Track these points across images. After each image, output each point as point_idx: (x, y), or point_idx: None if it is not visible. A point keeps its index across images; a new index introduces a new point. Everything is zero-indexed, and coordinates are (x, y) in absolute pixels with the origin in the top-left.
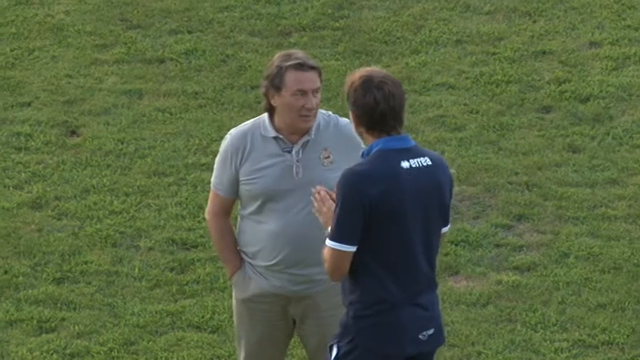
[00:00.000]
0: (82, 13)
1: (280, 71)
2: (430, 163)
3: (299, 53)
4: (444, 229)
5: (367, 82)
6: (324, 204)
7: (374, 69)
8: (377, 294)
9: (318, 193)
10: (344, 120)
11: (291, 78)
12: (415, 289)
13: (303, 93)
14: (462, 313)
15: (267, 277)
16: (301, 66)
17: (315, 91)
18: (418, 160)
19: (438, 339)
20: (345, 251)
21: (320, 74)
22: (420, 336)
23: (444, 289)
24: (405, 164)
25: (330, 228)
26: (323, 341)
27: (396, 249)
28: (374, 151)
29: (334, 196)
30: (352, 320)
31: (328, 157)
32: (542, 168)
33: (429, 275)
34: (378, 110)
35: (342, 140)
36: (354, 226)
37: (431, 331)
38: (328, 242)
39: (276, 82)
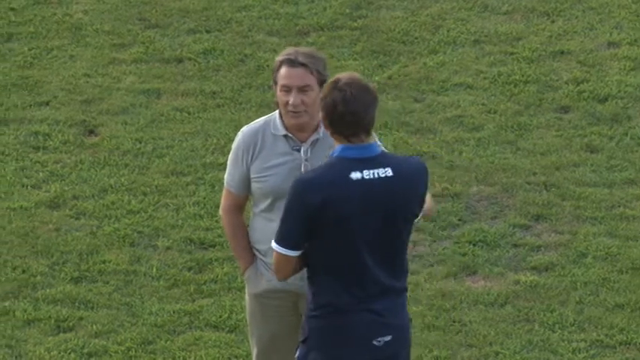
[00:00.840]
0: (101, 12)
1: (277, 66)
2: (390, 174)
3: (299, 49)
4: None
5: (332, 84)
6: None
7: (350, 73)
8: (326, 297)
9: None
10: None
11: (281, 73)
12: (365, 296)
13: (287, 89)
14: (480, 313)
15: None
16: (290, 62)
17: (301, 88)
18: (375, 171)
19: (396, 345)
20: (286, 255)
21: (313, 72)
22: (374, 342)
23: (461, 289)
24: (355, 175)
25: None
26: None
27: (342, 257)
28: (334, 155)
29: None
30: (306, 320)
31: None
32: (560, 168)
33: (385, 283)
34: (336, 112)
35: None
36: (295, 233)
37: (387, 338)
38: (272, 244)
39: (274, 77)
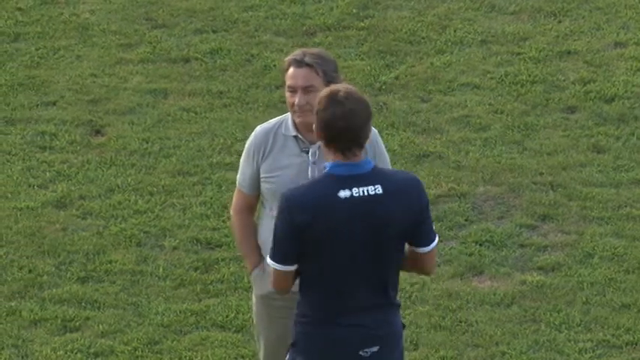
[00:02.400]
0: (107, 12)
1: (285, 67)
2: (380, 192)
3: (308, 50)
4: (426, 249)
5: (331, 96)
6: None
7: (345, 85)
8: (312, 307)
9: None
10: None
11: (288, 74)
12: (351, 310)
13: (293, 90)
14: (486, 313)
15: None
16: (297, 62)
17: (306, 88)
18: (364, 188)
19: (384, 355)
20: (281, 270)
21: (319, 72)
22: (360, 352)
23: (467, 289)
24: (344, 193)
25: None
26: None
27: (329, 272)
28: (325, 171)
29: None
30: (294, 326)
31: None
32: (567, 168)
33: (370, 299)
34: (335, 126)
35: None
36: (288, 248)
37: (374, 349)
38: (267, 260)
39: (283, 77)
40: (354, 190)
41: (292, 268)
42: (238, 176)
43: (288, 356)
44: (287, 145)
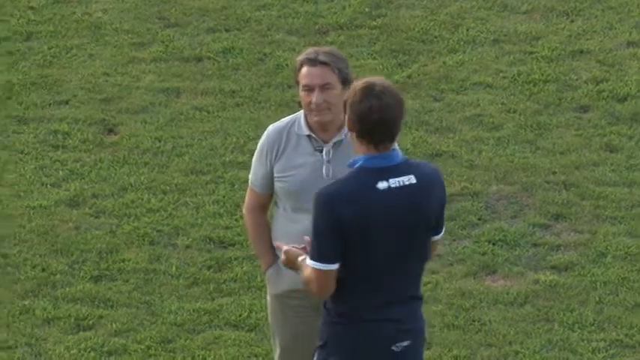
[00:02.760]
0: (120, 11)
1: (298, 67)
2: (414, 181)
3: (320, 49)
4: (439, 236)
5: (367, 89)
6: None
7: (379, 79)
8: (346, 304)
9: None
10: None
11: (302, 73)
12: (385, 304)
13: (309, 88)
14: (500, 312)
15: (299, 273)
16: (311, 61)
17: (323, 86)
18: (400, 179)
19: (413, 349)
20: (327, 270)
21: (335, 70)
22: (393, 347)
23: (480, 288)
24: (382, 185)
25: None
26: None
27: (366, 266)
28: (355, 167)
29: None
30: (323, 326)
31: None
32: (580, 167)
33: (405, 290)
34: (370, 119)
35: None
36: (330, 245)
37: (405, 343)
38: (310, 262)
39: (296, 78)
40: (391, 182)
41: (335, 266)
42: (250, 175)
43: (316, 357)
44: (300, 144)
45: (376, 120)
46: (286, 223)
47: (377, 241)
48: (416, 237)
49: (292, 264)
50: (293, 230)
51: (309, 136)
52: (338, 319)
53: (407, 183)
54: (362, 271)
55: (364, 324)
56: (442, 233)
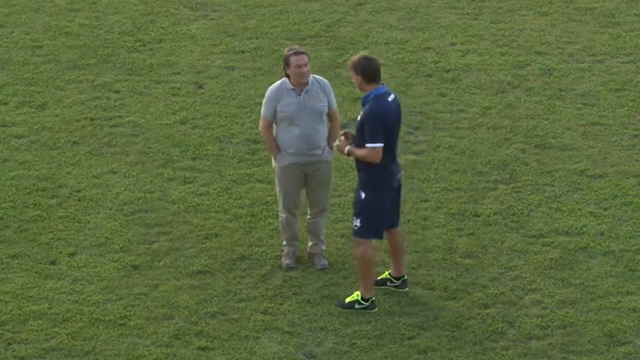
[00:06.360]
0: None
1: (287, 56)
2: (394, 97)
3: (292, 46)
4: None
5: (362, 57)
6: (342, 143)
7: (364, 53)
8: (385, 160)
9: (342, 135)
10: (324, 79)
11: (293, 59)
12: (394, 157)
13: (299, 66)
14: None
15: (293, 156)
16: (296, 53)
17: (305, 64)
18: (392, 95)
19: (402, 179)
20: (380, 147)
21: (308, 55)
22: (397, 177)
23: None
24: (390, 98)
25: (365, 137)
26: (319, 180)
27: (390, 142)
28: (372, 96)
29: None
30: (360, 188)
31: (319, 95)
32: None
33: (398, 152)
34: (372, 69)
35: (323, 88)
36: (381, 132)
37: (399, 175)
38: (369, 145)
39: (287, 61)
40: (391, 96)
41: (382, 145)
42: (263, 111)
43: (362, 194)
44: (289, 93)
45: (375, 69)
46: (284, 132)
47: (394, 127)
48: (400, 125)
49: (341, 151)
50: (289, 136)
51: (293, 89)
52: (376, 169)
53: (394, 96)
54: (389, 144)
55: (389, 165)
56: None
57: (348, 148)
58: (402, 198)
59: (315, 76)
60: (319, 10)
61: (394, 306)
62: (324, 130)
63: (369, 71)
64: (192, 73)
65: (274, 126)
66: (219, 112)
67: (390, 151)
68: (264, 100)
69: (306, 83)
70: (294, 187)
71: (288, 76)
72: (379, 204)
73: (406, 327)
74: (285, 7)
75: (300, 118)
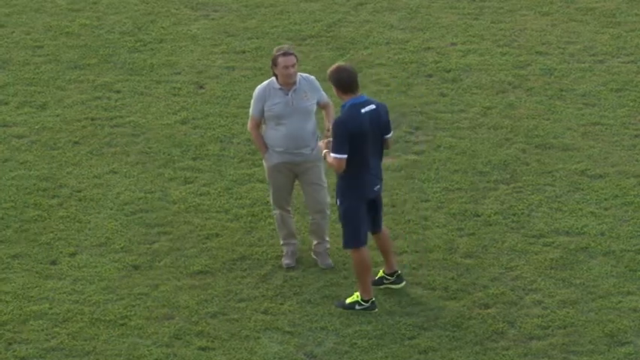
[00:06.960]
0: None
1: (277, 56)
2: (374, 107)
3: (284, 46)
4: (387, 136)
5: (337, 68)
6: (323, 144)
7: (339, 63)
8: (354, 174)
9: (323, 142)
10: (311, 76)
11: (281, 60)
12: (368, 168)
13: (287, 67)
14: None
15: (281, 155)
16: (285, 54)
17: (293, 65)
18: (369, 107)
19: (380, 190)
20: (342, 158)
21: (296, 56)
22: (374, 189)
23: None
24: (363, 110)
25: (330, 149)
26: (310, 180)
27: (361, 154)
28: (347, 106)
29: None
30: (339, 191)
31: (306, 94)
32: None
33: (377, 165)
34: (347, 79)
35: (311, 87)
36: (345, 145)
37: (377, 187)
38: (331, 155)
39: (274, 62)
40: (366, 109)
41: (346, 156)
42: (251, 110)
43: (338, 202)
44: (277, 92)
45: (349, 79)
46: (272, 131)
47: (365, 139)
48: (379, 136)
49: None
50: (277, 135)
51: (281, 88)
52: (350, 181)
53: (373, 108)
54: (359, 156)
55: (362, 177)
56: (390, 134)
57: (325, 151)
58: (381, 205)
59: (302, 74)
60: (320, 10)
61: (395, 306)
62: (312, 128)
63: (342, 82)
64: (192, 73)
65: (263, 125)
66: (219, 112)
67: (361, 161)
68: (252, 100)
69: (294, 83)
70: (284, 185)
71: (275, 75)
72: (355, 214)
73: (407, 327)
74: (286, 7)
75: (288, 117)
